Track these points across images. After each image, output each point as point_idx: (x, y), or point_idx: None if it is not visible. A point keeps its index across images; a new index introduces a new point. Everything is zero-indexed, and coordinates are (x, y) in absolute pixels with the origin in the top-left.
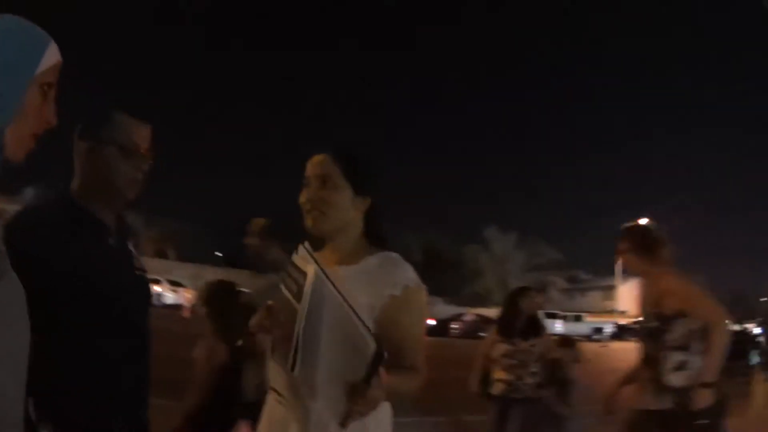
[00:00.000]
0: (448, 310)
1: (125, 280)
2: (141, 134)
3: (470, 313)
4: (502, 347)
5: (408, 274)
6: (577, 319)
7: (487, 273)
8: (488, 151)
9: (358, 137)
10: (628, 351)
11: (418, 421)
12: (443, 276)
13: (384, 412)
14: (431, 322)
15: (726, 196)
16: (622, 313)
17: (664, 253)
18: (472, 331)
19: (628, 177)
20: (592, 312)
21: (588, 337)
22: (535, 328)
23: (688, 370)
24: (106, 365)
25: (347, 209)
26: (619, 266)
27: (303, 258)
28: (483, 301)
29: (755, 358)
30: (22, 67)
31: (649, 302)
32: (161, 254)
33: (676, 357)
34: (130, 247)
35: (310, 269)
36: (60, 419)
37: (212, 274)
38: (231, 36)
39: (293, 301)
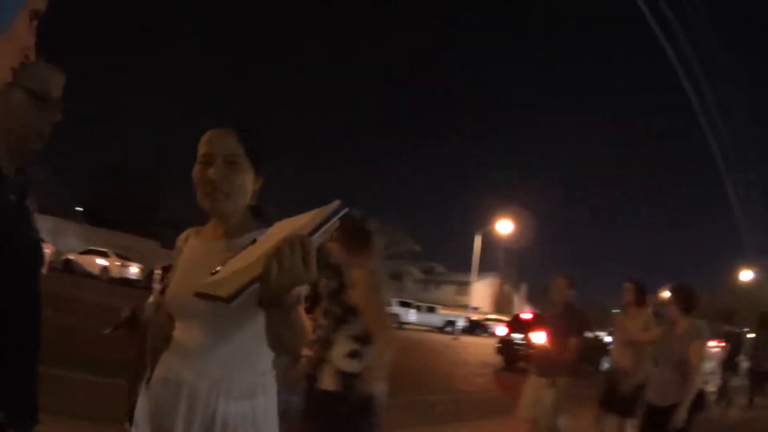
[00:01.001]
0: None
1: (22, 243)
2: (55, 82)
3: None
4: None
5: None
6: (431, 310)
7: None
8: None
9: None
10: (479, 345)
11: None
12: None
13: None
14: None
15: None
16: (475, 309)
17: (369, 246)
18: None
19: (489, 180)
20: (445, 305)
21: (441, 329)
22: None
23: (361, 359)
24: None
25: (248, 189)
26: (475, 263)
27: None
28: None
29: (606, 365)
30: None
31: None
32: None
33: (351, 345)
34: (29, 204)
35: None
36: None
37: (73, 230)
38: None
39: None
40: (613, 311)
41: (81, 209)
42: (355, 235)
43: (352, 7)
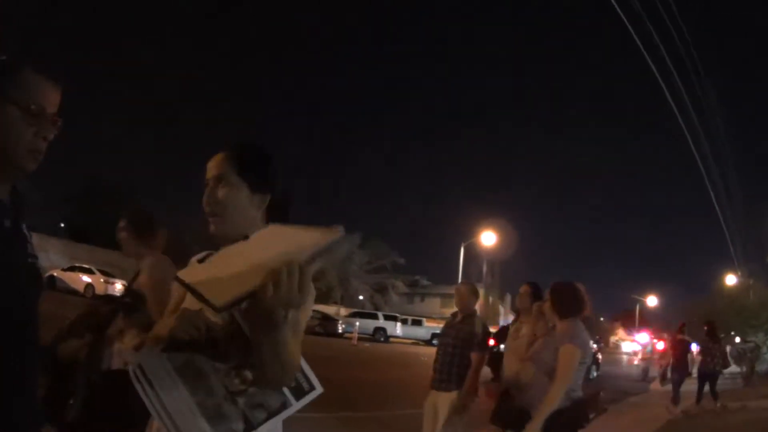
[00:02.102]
0: None
1: (18, 271)
2: (51, 98)
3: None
4: None
5: None
6: (417, 323)
7: (329, 271)
8: (332, 152)
9: None
10: None
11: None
12: None
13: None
14: None
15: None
16: None
17: (155, 235)
18: (309, 327)
19: (472, 192)
20: (431, 317)
21: (428, 342)
22: None
23: None
24: None
25: (246, 208)
26: (460, 275)
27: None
28: (324, 298)
29: (594, 373)
30: None
31: (131, 278)
32: None
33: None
34: (25, 229)
35: None
36: None
37: (56, 246)
38: None
39: None
40: (600, 319)
41: (63, 225)
42: (141, 225)
43: (338, 15)
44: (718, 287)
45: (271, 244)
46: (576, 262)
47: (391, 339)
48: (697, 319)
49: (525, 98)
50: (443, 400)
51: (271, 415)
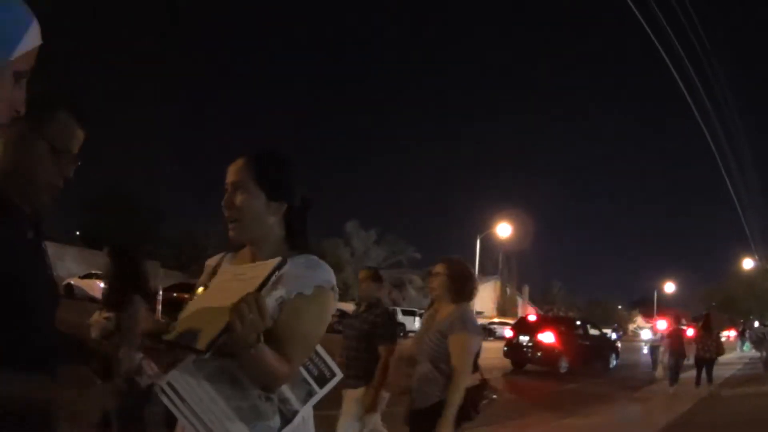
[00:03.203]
0: None
1: (40, 281)
2: (77, 140)
3: None
4: None
5: (324, 276)
6: None
7: (346, 267)
8: (350, 149)
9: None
10: (485, 349)
11: None
12: None
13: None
14: None
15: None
16: (479, 314)
17: None
18: (330, 326)
19: (487, 184)
20: None
21: None
22: None
23: None
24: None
25: (263, 215)
26: (476, 267)
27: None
28: (342, 296)
29: (614, 362)
30: None
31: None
32: None
33: None
34: (44, 244)
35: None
36: None
37: (73, 255)
38: None
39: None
40: (619, 307)
41: (79, 233)
42: None
43: (346, 10)
44: (736, 271)
45: (228, 287)
46: (592, 251)
47: (410, 334)
48: (716, 304)
49: (537, 90)
50: (350, 398)
51: (302, 404)
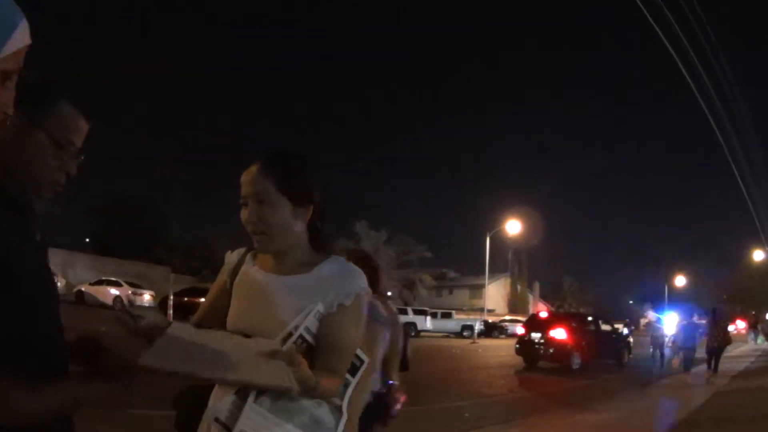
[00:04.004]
0: None
1: (47, 280)
2: (80, 133)
3: None
4: None
5: (360, 283)
6: (447, 315)
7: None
8: (359, 148)
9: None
10: (498, 347)
11: None
12: None
13: None
14: None
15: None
16: (491, 312)
17: None
18: None
19: (496, 183)
20: (460, 309)
21: (459, 334)
22: None
23: None
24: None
25: (290, 224)
26: (487, 266)
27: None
28: None
29: (627, 357)
30: None
31: None
32: None
33: None
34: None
35: None
36: None
37: (83, 261)
38: None
39: None
40: (630, 302)
41: (89, 240)
42: None
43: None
44: (746, 263)
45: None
46: (601, 248)
47: (422, 333)
48: (726, 297)
49: (545, 87)
50: None
51: (341, 398)
